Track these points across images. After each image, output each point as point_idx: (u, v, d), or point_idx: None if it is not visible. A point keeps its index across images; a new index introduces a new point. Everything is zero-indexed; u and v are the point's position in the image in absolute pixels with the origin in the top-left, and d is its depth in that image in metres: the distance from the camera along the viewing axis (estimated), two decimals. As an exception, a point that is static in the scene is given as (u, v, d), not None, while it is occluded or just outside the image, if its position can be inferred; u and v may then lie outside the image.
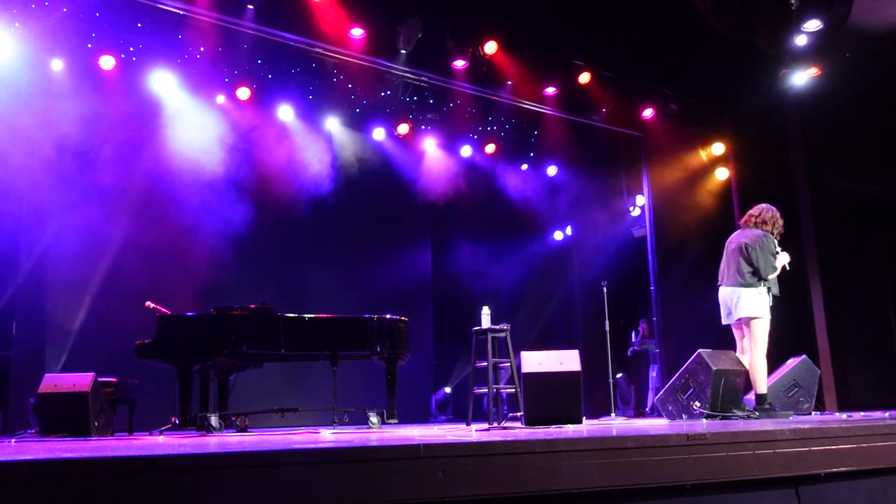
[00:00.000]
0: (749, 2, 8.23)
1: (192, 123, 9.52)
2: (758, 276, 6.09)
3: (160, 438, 5.14)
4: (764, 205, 6.48)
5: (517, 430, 4.76)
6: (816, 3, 7.80)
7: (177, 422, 6.79)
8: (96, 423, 5.91)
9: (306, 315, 7.26)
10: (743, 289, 6.14)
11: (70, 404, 5.88)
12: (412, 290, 11.83)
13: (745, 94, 9.77)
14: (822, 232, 9.19)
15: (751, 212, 6.49)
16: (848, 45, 8.46)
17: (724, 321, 6.46)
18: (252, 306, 7.09)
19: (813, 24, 8.00)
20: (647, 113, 10.87)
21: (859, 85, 8.62)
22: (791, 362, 7.22)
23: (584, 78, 10.10)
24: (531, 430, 4.66)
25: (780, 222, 6.37)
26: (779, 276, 6.29)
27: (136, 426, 7.46)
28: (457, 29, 9.28)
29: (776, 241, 6.33)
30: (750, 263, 6.14)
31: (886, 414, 5.99)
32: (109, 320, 8.62)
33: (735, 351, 6.52)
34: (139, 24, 8.49)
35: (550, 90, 10.26)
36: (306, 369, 9.30)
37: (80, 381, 6.00)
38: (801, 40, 8.32)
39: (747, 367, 6.32)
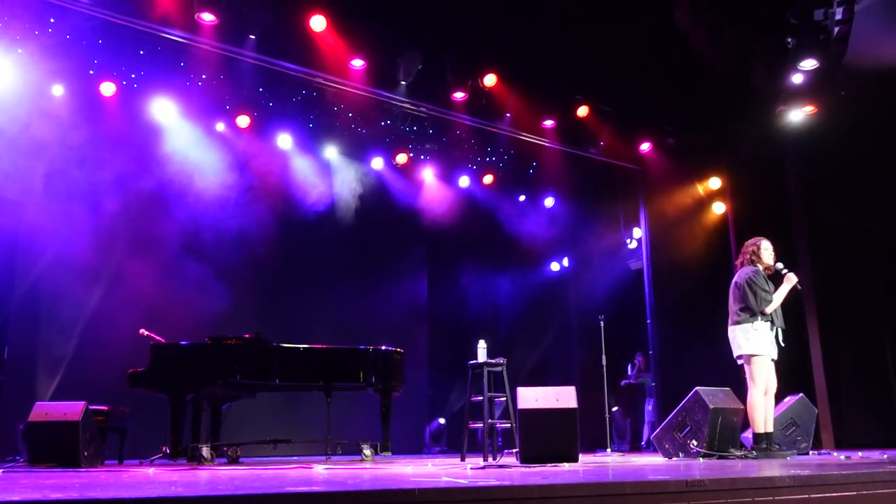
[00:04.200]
0: (746, 40, 8.32)
1: (191, 151, 9.54)
2: (751, 313, 6.05)
3: (150, 470, 5.07)
4: (750, 240, 6.46)
5: (512, 469, 4.70)
6: (812, 43, 7.87)
7: (168, 451, 6.71)
8: (86, 454, 5.83)
9: (301, 345, 7.22)
10: (737, 326, 6.12)
11: (60, 434, 5.80)
12: (408, 319, 11.80)
13: (741, 130, 9.82)
14: (818, 268, 9.18)
15: (742, 250, 6.49)
16: (843, 83, 8.53)
17: None
18: (247, 336, 7.06)
19: (809, 63, 8.07)
20: (645, 147, 10.93)
21: (855, 122, 8.68)
22: (788, 400, 7.19)
23: (583, 111, 10.17)
24: (527, 470, 4.61)
25: (765, 252, 6.27)
26: (791, 297, 6.17)
27: (127, 454, 7.38)
28: (457, 61, 9.36)
29: (779, 265, 6.24)
30: (740, 301, 6.12)
31: (885, 455, 5.94)
32: (102, 347, 8.56)
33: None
34: (141, 52, 8.53)
35: (549, 123, 10.33)
36: (300, 399, 9.23)
37: (71, 409, 5.93)
38: (797, 78, 8.40)
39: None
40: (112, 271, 9.11)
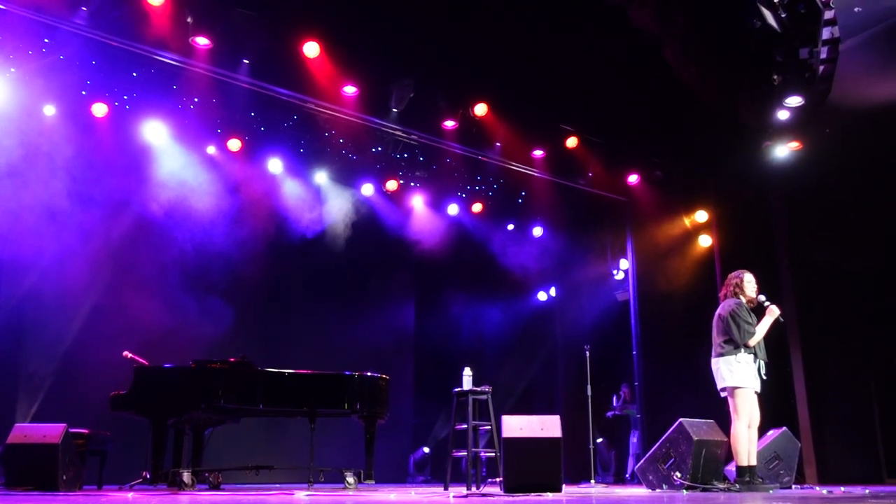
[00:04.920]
0: (733, 77, 8.45)
1: (182, 173, 9.55)
2: (734, 345, 6.07)
3: (130, 495, 5.00)
4: (733, 273, 6.51)
5: (495, 498, 4.68)
6: (798, 81, 8.00)
7: (148, 476, 6.63)
8: (65, 477, 5.76)
9: (286, 371, 7.18)
10: (720, 359, 6.13)
11: (39, 456, 5.75)
12: (394, 346, 11.77)
13: (728, 165, 9.93)
14: (803, 302, 9.25)
15: (725, 283, 6.53)
16: (828, 121, 8.67)
17: None
18: (232, 360, 7.02)
19: (794, 101, 8.19)
20: (633, 179, 11.04)
21: (839, 159, 8.81)
22: (772, 434, 7.20)
23: (572, 142, 10.26)
24: (510, 499, 4.59)
25: (748, 284, 6.30)
26: (773, 329, 6.20)
27: (108, 478, 7.29)
28: (448, 90, 9.45)
29: (761, 297, 6.28)
30: (724, 333, 6.15)
31: (867, 491, 5.96)
32: (85, 369, 8.47)
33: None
34: (134, 74, 8.57)
35: (538, 153, 10.42)
36: (283, 425, 9.16)
37: (51, 432, 5.88)
38: (783, 115, 8.52)
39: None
40: (98, 293, 9.04)
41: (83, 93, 8.74)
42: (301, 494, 5.14)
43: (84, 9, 7.52)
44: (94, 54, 8.20)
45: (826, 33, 7.38)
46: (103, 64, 8.35)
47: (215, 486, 7.28)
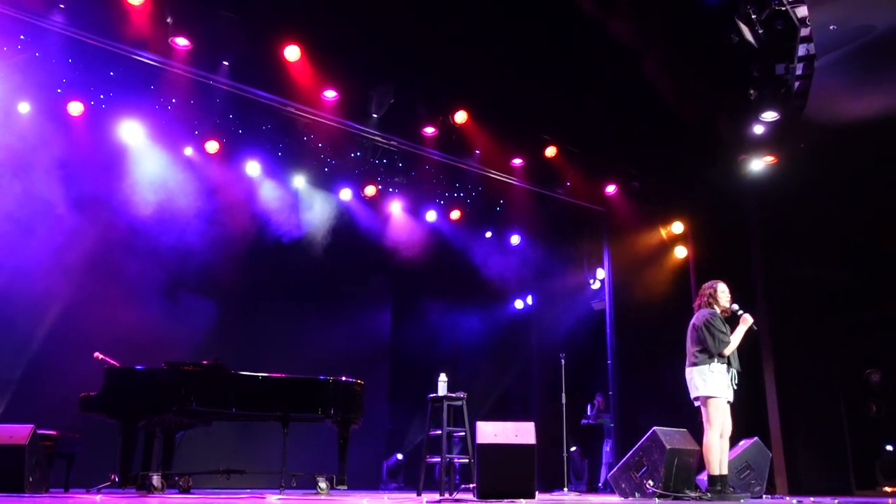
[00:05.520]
0: (710, 90, 8.56)
1: (158, 174, 9.46)
2: (708, 354, 6.11)
3: (97, 497, 4.93)
4: (707, 283, 6.56)
5: (468, 504, 4.67)
6: (773, 96, 8.11)
7: (117, 479, 6.53)
8: (31, 479, 5.67)
9: (260, 374, 7.12)
10: (694, 368, 6.16)
11: (4, 458, 5.66)
12: (370, 352, 11.73)
13: (705, 177, 10.04)
14: (776, 314, 9.35)
15: (699, 293, 6.58)
16: (803, 136, 8.80)
17: None
18: (205, 362, 6.95)
19: (770, 115, 8.30)
20: (611, 189, 11.12)
21: (814, 174, 8.93)
22: (743, 444, 7.26)
23: (551, 152, 10.32)
24: (483, 505, 4.59)
25: (722, 294, 6.34)
26: (746, 340, 6.25)
27: (75, 482, 7.18)
28: (429, 97, 9.47)
29: (735, 306, 6.33)
30: (698, 343, 6.19)
31: (836, 501, 6.03)
32: (55, 370, 8.34)
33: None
34: (111, 73, 8.48)
35: (517, 161, 10.47)
36: (256, 429, 9.07)
37: (18, 433, 5.78)
38: (758, 129, 8.63)
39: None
40: (69, 293, 8.91)
41: (59, 91, 8.62)
42: (272, 499, 5.09)
43: (62, 6, 7.45)
44: (71, 52, 8.10)
45: (802, 50, 7.51)
46: (80, 62, 8.25)
47: (185, 490, 7.19)
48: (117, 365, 6.80)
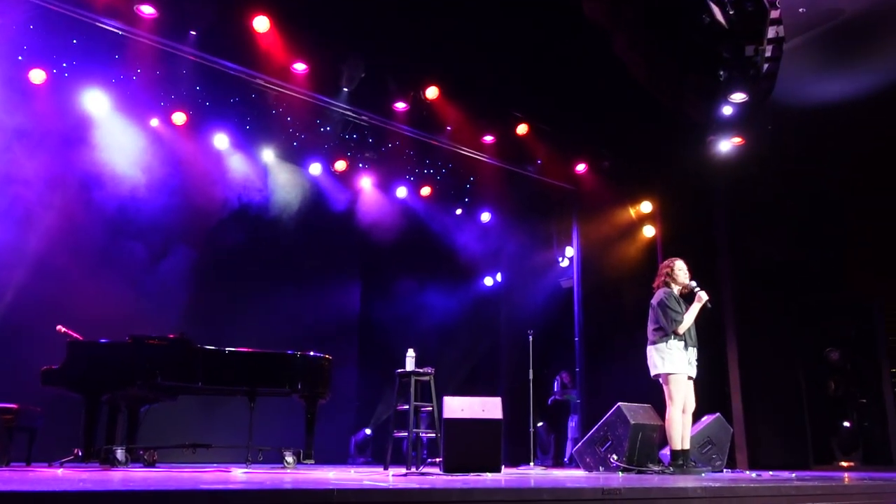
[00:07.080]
0: (680, 71, 8.60)
1: (122, 145, 9.28)
2: (664, 333, 6.20)
3: (59, 471, 4.87)
4: (664, 261, 6.64)
5: (434, 477, 4.70)
6: (742, 77, 8.18)
7: (80, 454, 6.46)
8: (-9, 452, 5.57)
9: (226, 349, 7.06)
10: (653, 347, 6.27)
11: (-36, 431, 5.54)
12: (338, 327, 11.69)
13: (673, 157, 10.12)
14: (740, 293, 9.51)
15: (658, 272, 6.65)
16: (770, 118, 8.90)
17: None
18: (170, 336, 6.87)
19: (738, 97, 8.37)
20: (581, 167, 11.17)
21: (780, 156, 9.07)
22: (706, 419, 7.40)
23: (522, 129, 10.32)
24: (449, 478, 4.62)
25: (680, 272, 6.40)
26: (703, 315, 6.33)
27: (37, 456, 7.08)
28: (400, 72, 9.39)
29: (692, 283, 6.40)
30: (654, 322, 6.29)
31: (793, 475, 6.18)
32: (16, 343, 8.17)
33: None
34: (74, 41, 8.27)
35: (488, 138, 10.46)
36: (222, 403, 9.02)
37: (-23, 406, 5.67)
38: (727, 110, 8.70)
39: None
40: (31, 263, 8.72)
41: (20, 58, 8.39)
42: (238, 472, 5.08)
43: (22, -31, 7.24)
44: (32, 18, 7.88)
45: (771, 32, 7.57)
46: (41, 29, 8.02)
47: (150, 464, 7.15)
48: (80, 338, 6.71)
